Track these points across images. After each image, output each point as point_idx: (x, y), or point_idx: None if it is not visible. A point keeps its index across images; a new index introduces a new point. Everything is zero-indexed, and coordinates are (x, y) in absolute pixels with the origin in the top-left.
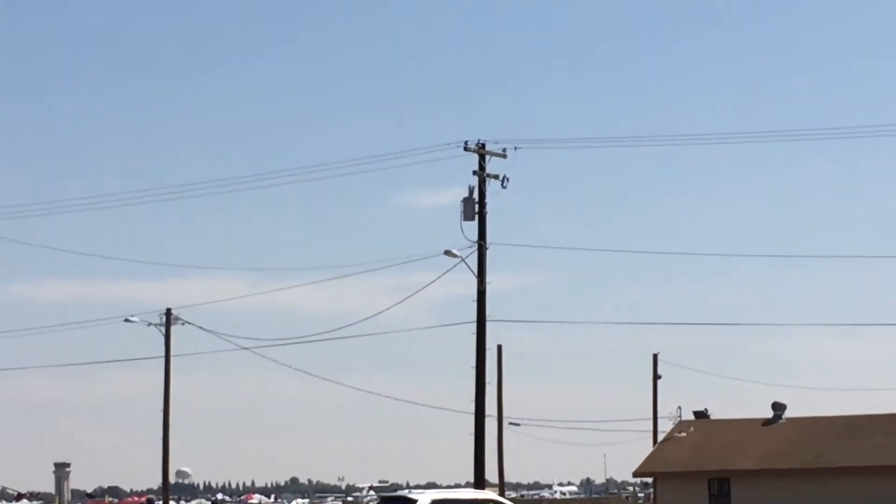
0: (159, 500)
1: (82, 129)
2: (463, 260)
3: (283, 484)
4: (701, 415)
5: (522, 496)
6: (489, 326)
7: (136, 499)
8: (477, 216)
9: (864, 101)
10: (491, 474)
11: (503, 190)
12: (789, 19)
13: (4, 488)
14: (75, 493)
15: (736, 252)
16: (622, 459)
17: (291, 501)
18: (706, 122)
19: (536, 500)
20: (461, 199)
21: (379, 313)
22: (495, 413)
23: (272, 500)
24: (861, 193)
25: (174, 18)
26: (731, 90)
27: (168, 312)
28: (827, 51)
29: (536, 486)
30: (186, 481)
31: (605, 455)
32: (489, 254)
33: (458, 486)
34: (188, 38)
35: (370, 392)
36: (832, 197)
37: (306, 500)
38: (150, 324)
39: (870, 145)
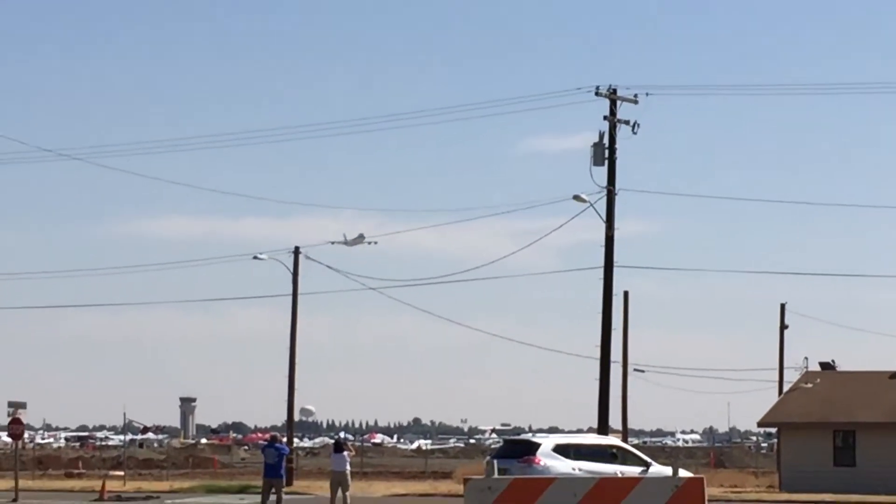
0: (283, 437)
1: (218, 67)
2: (591, 205)
3: (405, 424)
4: (827, 366)
5: (645, 443)
6: (616, 272)
7: (259, 435)
8: (607, 162)
9: None
10: (614, 420)
11: (633, 136)
12: None
13: (131, 421)
14: (200, 427)
15: (868, 203)
16: (746, 409)
17: (414, 442)
18: (841, 71)
19: (659, 447)
20: (591, 144)
21: (506, 256)
22: (620, 359)
23: (395, 439)
24: None
25: None
26: (871, 40)
27: (296, 250)
28: None
29: (659, 433)
30: (310, 419)
31: (728, 404)
32: (618, 200)
33: (580, 431)
34: None
35: (495, 335)
36: None
37: (429, 441)
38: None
39: None
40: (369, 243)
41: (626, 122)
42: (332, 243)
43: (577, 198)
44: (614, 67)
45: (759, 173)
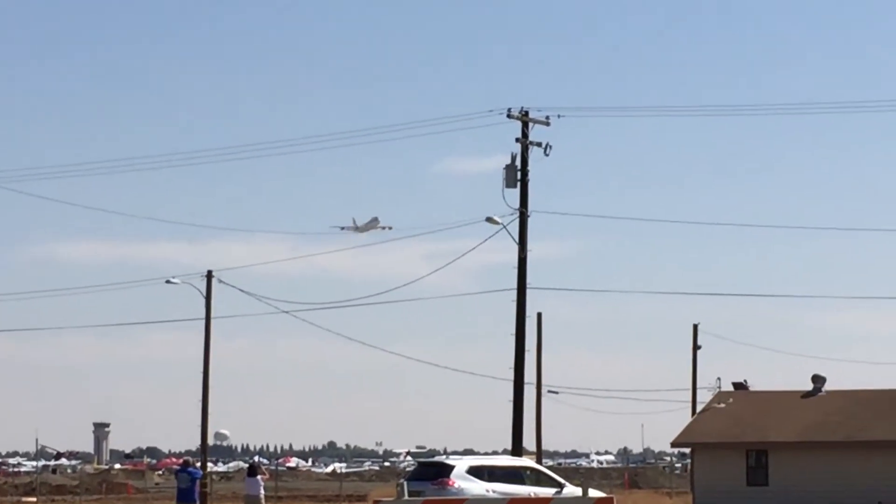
0: (197, 461)
1: (128, 90)
2: (504, 227)
3: (320, 448)
4: (740, 386)
5: (560, 464)
6: (529, 294)
7: (173, 460)
8: (519, 183)
9: None
10: (529, 442)
11: (545, 158)
12: None
13: (44, 447)
14: (114, 453)
15: (780, 224)
16: (660, 430)
17: (329, 465)
18: (754, 92)
19: (574, 468)
20: (504, 166)
21: (420, 279)
22: (534, 381)
23: (309, 463)
24: None
25: None
26: (781, 61)
27: (209, 274)
28: (861, 22)
29: (574, 454)
30: (225, 443)
31: (643, 425)
32: (530, 221)
33: (495, 453)
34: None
35: (410, 357)
36: (875, 171)
37: (343, 465)
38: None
39: None
40: (383, 228)
41: (538, 144)
42: (342, 229)
43: (489, 220)
44: (526, 90)
45: (671, 194)
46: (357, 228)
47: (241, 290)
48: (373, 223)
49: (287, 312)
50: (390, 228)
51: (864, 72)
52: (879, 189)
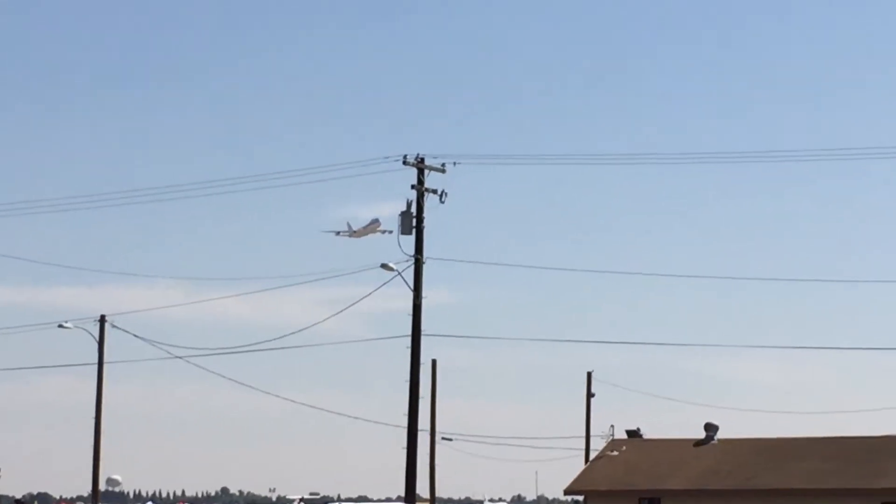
0: None
1: (20, 133)
2: (399, 274)
3: (213, 494)
4: (633, 434)
5: None
6: (424, 341)
7: None
8: (414, 230)
9: (799, 126)
10: (422, 489)
11: (441, 205)
12: (733, 41)
13: None
14: (3, 498)
15: (672, 272)
16: (554, 477)
17: None
18: (643, 142)
19: None
20: (399, 212)
21: (314, 325)
22: (428, 427)
23: None
24: (796, 218)
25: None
26: (670, 111)
27: (102, 319)
28: (757, 74)
29: (467, 501)
30: (117, 489)
31: (536, 472)
32: (426, 268)
33: (388, 499)
34: (152, 48)
35: (303, 404)
36: (767, 220)
37: None
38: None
39: (802, 170)
40: (383, 232)
41: (434, 191)
42: (337, 234)
43: (384, 266)
44: (422, 137)
45: (566, 243)
46: (354, 233)
47: (135, 335)
48: (372, 226)
49: (181, 358)
50: (390, 233)
51: (750, 123)
52: (772, 238)
